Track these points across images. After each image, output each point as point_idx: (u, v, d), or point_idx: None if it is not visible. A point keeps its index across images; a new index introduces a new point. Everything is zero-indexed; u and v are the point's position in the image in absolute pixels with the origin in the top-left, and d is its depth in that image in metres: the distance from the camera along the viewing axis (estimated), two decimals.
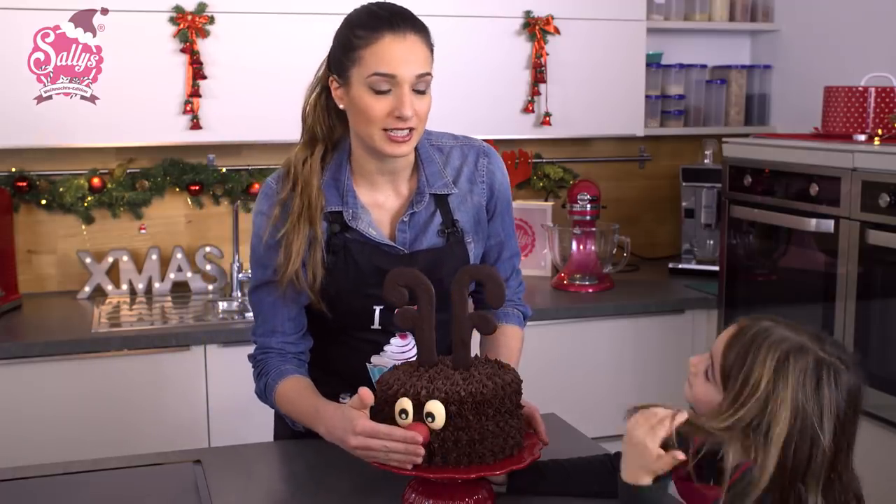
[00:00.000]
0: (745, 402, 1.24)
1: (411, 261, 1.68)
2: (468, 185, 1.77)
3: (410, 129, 1.61)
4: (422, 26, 1.63)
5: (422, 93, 1.60)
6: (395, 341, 1.74)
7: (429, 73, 1.61)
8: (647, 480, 1.28)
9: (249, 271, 1.80)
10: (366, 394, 1.47)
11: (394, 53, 1.57)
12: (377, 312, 1.71)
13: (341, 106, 1.66)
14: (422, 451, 1.40)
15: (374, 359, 1.75)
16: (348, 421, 1.47)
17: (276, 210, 1.68)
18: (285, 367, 1.71)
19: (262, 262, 1.71)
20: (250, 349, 1.80)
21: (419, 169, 1.73)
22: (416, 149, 1.72)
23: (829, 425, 1.22)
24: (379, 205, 1.72)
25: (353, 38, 1.59)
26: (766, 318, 1.31)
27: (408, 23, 1.60)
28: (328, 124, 1.70)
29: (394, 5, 1.64)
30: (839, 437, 1.24)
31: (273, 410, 1.90)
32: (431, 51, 1.64)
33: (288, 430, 1.83)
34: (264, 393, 1.74)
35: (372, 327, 1.73)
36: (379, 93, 1.58)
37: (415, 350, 1.71)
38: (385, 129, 1.60)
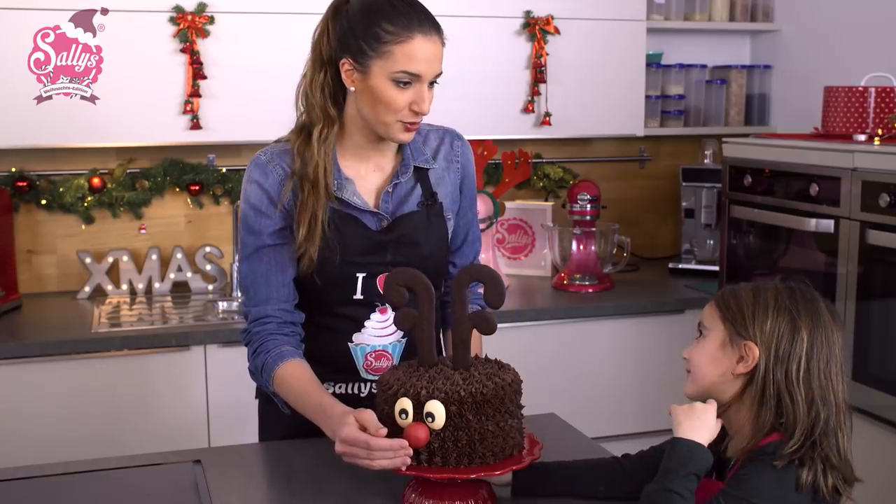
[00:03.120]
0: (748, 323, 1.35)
1: (392, 227, 1.76)
2: (445, 164, 1.85)
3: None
4: (439, 24, 1.70)
5: (433, 84, 1.70)
6: (376, 317, 1.77)
7: (441, 73, 1.71)
8: (704, 441, 1.32)
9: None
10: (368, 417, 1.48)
11: (424, 54, 1.65)
12: (360, 280, 1.75)
13: (351, 88, 1.71)
14: (409, 451, 1.41)
15: (356, 337, 1.78)
16: (338, 427, 1.49)
17: (287, 184, 1.72)
18: (285, 349, 1.72)
19: (255, 229, 1.75)
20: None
21: (403, 144, 1.80)
22: None
23: (805, 324, 1.33)
24: (362, 178, 1.78)
25: (380, 31, 1.64)
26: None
27: (431, 22, 1.67)
28: (339, 103, 1.75)
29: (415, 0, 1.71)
30: (818, 344, 1.33)
31: (258, 410, 1.92)
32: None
33: (274, 432, 1.85)
34: (260, 372, 1.74)
35: (354, 297, 1.75)
36: (400, 85, 1.65)
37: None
38: (400, 119, 1.68)
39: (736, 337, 1.35)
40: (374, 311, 1.77)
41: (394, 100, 1.66)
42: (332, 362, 1.79)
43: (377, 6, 1.66)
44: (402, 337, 1.79)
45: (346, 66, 1.69)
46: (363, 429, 1.46)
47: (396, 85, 1.65)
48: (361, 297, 1.76)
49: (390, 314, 1.76)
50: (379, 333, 1.78)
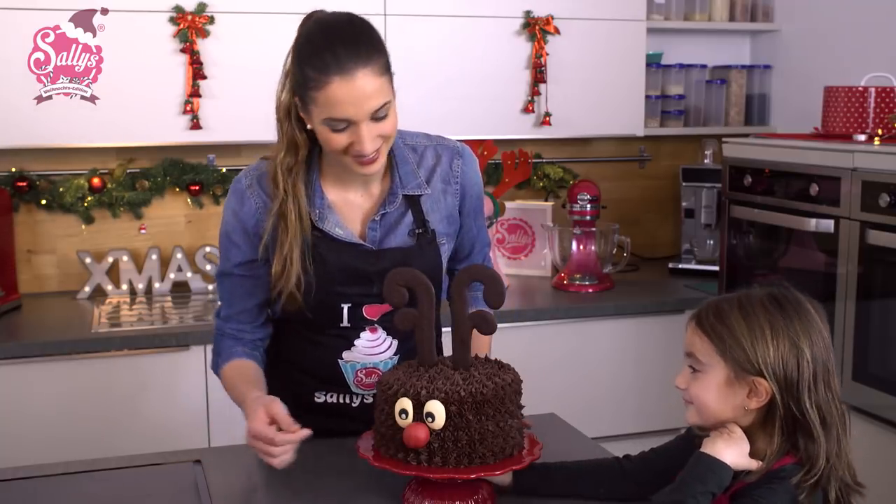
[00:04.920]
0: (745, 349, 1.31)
1: (379, 258, 1.69)
2: (442, 186, 1.76)
3: (377, 150, 1.59)
4: (371, 52, 1.54)
5: (383, 118, 1.57)
6: (366, 335, 1.74)
7: (386, 103, 1.56)
8: (728, 459, 1.30)
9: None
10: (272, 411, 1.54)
11: (344, 98, 1.52)
12: (345, 311, 1.71)
13: (309, 126, 1.63)
14: (283, 447, 1.50)
15: (346, 354, 1.75)
16: (249, 416, 1.55)
17: (268, 218, 1.66)
18: (235, 350, 1.76)
19: (226, 254, 1.76)
20: None
21: (393, 169, 1.72)
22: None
23: (805, 337, 1.29)
24: (349, 203, 1.72)
25: (304, 77, 1.55)
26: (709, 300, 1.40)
27: (354, 58, 1.51)
28: (307, 133, 1.65)
29: (339, 28, 1.57)
30: (819, 352, 1.30)
31: None
32: (387, 71, 1.57)
33: None
34: (216, 371, 1.80)
35: (341, 325, 1.73)
36: (337, 130, 1.56)
37: (386, 343, 1.74)
38: (350, 156, 1.59)
39: (741, 373, 1.29)
40: (364, 331, 1.74)
41: (333, 143, 1.57)
42: (322, 376, 1.77)
43: (301, 46, 1.58)
44: (395, 354, 1.76)
45: (297, 104, 1.61)
46: (273, 422, 1.51)
47: (332, 129, 1.55)
48: (348, 325, 1.73)
49: (381, 333, 1.74)
50: (370, 352, 1.74)
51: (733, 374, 1.30)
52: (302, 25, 1.63)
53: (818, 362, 1.29)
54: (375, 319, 1.73)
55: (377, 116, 1.55)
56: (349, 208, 1.72)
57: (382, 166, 1.66)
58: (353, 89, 1.51)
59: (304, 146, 1.65)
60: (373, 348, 1.74)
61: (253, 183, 1.70)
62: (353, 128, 1.55)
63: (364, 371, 1.75)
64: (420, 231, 1.72)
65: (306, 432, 1.52)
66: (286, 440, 1.50)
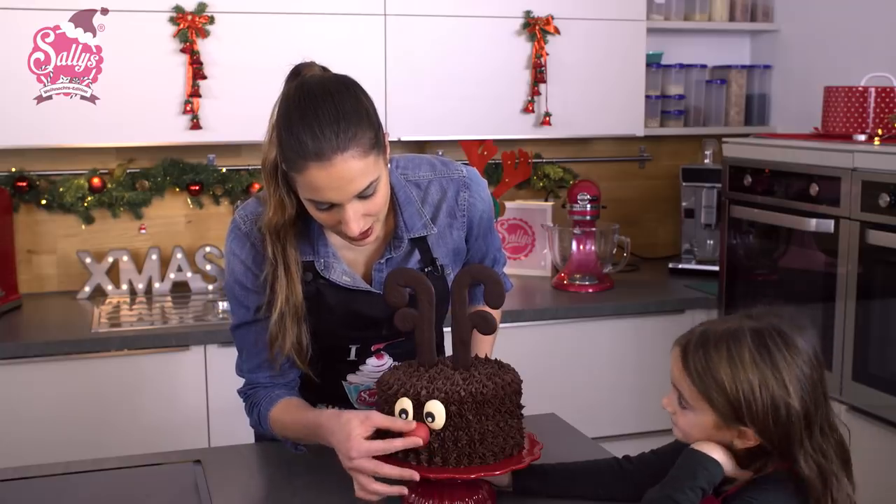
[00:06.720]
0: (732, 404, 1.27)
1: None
2: (448, 220, 1.71)
3: (368, 226, 1.53)
4: (356, 132, 1.43)
5: (370, 195, 1.49)
6: (372, 361, 1.72)
7: (372, 181, 1.47)
8: (717, 457, 1.29)
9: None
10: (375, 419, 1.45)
11: (323, 184, 1.44)
12: (353, 350, 1.70)
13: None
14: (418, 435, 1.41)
15: (350, 377, 1.74)
16: (346, 439, 1.44)
17: (264, 267, 1.61)
18: (274, 393, 1.68)
19: (243, 303, 1.67)
20: None
21: (396, 212, 1.66)
22: (392, 188, 1.64)
23: (794, 387, 1.25)
24: (352, 248, 1.65)
25: (283, 154, 1.47)
26: (697, 327, 1.35)
27: (333, 142, 1.41)
28: (296, 195, 1.56)
29: (320, 103, 1.44)
30: (810, 395, 1.26)
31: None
32: (374, 147, 1.46)
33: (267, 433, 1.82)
34: (259, 423, 1.70)
35: (348, 359, 1.72)
36: (321, 209, 1.50)
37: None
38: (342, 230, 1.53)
39: (731, 421, 1.27)
40: (371, 357, 1.72)
41: (319, 219, 1.52)
42: (327, 392, 1.76)
43: (282, 115, 1.47)
44: None
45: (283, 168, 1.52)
46: (379, 433, 1.43)
47: (317, 208, 1.49)
48: (355, 359, 1.72)
49: (387, 359, 1.73)
50: (375, 375, 1.72)
51: (721, 421, 1.29)
52: (287, 84, 1.53)
53: (809, 406, 1.26)
54: (382, 348, 1.72)
55: (364, 195, 1.48)
56: (353, 252, 1.67)
57: (377, 235, 1.59)
58: (333, 175, 1.43)
59: (292, 206, 1.57)
60: (378, 372, 1.72)
61: (252, 230, 1.64)
62: (338, 208, 1.48)
63: (368, 392, 1.74)
64: (429, 269, 1.69)
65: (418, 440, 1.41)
66: (405, 443, 1.40)
